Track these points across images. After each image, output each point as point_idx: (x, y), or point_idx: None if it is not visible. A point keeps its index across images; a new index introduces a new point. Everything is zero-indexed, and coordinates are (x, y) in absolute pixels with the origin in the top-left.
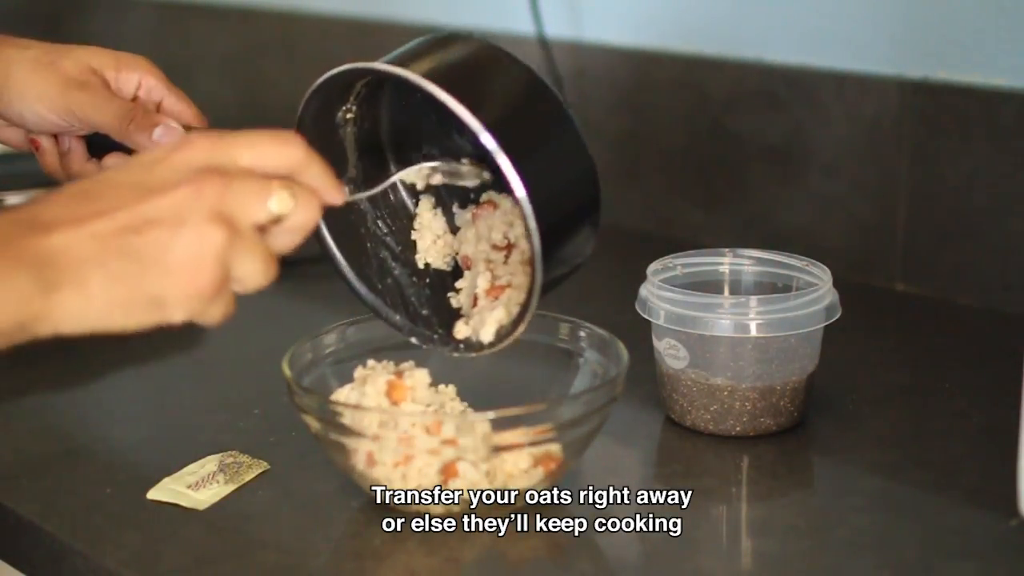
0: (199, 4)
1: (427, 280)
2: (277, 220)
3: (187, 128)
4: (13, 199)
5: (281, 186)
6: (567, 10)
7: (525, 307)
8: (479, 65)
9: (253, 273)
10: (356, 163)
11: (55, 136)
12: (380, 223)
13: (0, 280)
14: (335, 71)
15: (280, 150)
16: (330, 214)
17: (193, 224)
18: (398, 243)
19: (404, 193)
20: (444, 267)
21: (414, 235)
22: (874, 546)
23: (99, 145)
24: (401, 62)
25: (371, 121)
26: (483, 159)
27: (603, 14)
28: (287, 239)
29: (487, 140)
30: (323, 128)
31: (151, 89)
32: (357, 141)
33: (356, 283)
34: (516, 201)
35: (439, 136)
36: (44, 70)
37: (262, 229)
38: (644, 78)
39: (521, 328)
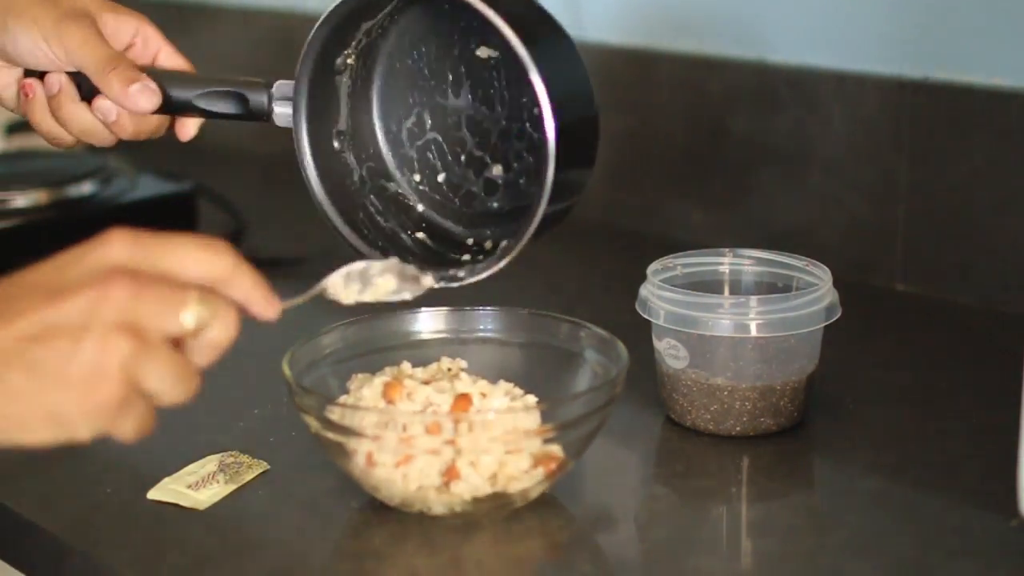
0: (199, 4)
1: (419, 226)
2: (193, 334)
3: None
4: (20, 200)
5: (198, 299)
6: (567, 10)
7: (535, 209)
8: None
9: (168, 387)
10: (348, 117)
11: (42, 79)
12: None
13: None
14: None
15: (205, 258)
16: (322, 164)
17: (96, 333)
18: (381, 198)
19: (384, 146)
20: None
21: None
22: (874, 546)
23: (91, 90)
24: None
25: (364, 81)
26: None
27: (603, 14)
28: (204, 354)
29: (503, 27)
30: (324, 70)
31: (148, 39)
32: (350, 96)
33: (345, 231)
34: (533, 88)
35: (428, 103)
36: (45, 1)
37: (177, 342)
38: (644, 78)
39: (527, 237)
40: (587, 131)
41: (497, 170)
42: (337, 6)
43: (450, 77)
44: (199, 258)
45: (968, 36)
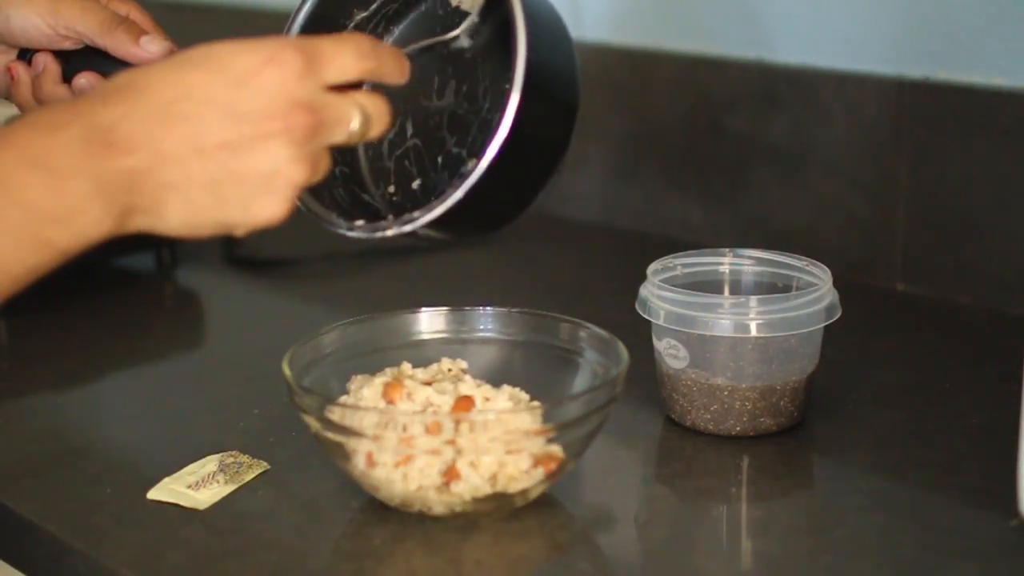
0: (199, 4)
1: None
2: (356, 137)
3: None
4: None
5: (359, 111)
6: (567, 10)
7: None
8: None
9: (316, 179)
10: None
11: (29, 62)
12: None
13: (75, 206)
14: None
15: (356, 57)
16: None
17: (281, 169)
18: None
19: (363, 159)
20: None
21: None
22: (874, 546)
23: (72, 71)
24: None
25: None
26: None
27: (603, 14)
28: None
29: None
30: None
31: (139, 23)
32: None
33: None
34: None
35: (411, 108)
36: None
37: None
38: (644, 78)
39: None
40: (561, 90)
41: (472, 164)
42: None
43: (436, 79)
44: (351, 59)
45: (968, 36)
